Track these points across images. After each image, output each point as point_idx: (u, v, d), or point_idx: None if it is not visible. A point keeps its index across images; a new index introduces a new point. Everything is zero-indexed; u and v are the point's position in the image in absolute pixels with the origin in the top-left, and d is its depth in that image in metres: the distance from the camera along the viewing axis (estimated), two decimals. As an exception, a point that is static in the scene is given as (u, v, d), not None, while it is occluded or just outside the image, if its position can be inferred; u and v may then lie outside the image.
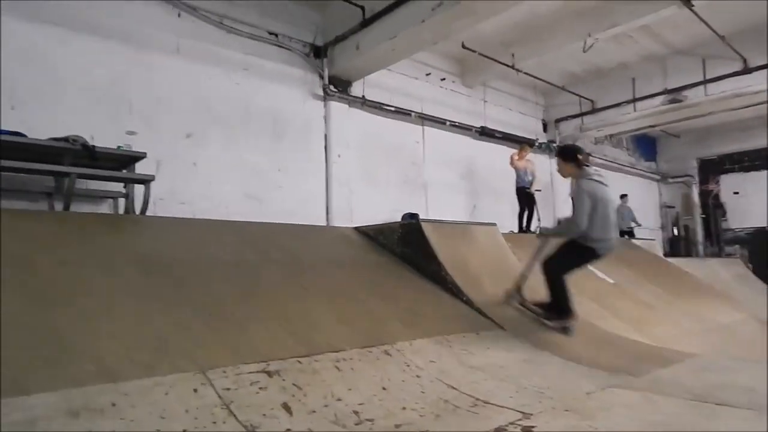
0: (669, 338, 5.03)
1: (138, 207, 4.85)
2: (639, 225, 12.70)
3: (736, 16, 8.47)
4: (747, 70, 9.20)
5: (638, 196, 13.84)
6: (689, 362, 3.64)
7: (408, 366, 2.97)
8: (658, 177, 15.96)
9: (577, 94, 11.47)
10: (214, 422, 2.04)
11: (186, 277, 3.39)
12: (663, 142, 15.94)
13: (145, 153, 4.88)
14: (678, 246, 15.53)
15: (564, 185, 11.09)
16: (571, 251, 4.04)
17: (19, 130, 4.43)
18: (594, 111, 11.47)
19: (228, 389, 2.27)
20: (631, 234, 12.28)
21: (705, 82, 9.82)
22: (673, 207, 16.17)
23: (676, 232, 16.01)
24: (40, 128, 4.70)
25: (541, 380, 3.03)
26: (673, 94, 10.27)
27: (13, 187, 4.65)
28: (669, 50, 10.16)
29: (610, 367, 3.38)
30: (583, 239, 3.96)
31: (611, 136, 13.27)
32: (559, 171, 4.27)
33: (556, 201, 11.50)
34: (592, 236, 3.93)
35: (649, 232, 13.72)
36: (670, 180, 16.00)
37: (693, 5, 7.26)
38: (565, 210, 11.02)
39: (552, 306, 4.14)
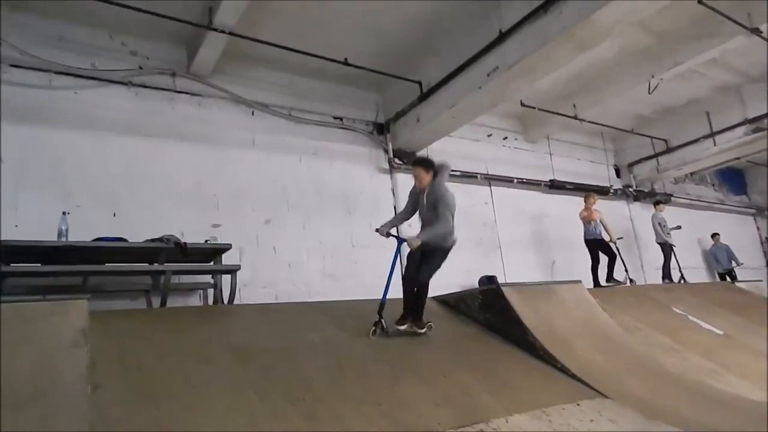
0: (803, 395, 4.43)
1: (226, 295, 5.09)
2: (741, 264, 11.65)
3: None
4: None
5: (733, 234, 12.75)
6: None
7: (508, 446, 2.81)
8: (752, 210, 14.71)
9: (648, 136, 11.05)
10: None
11: (276, 362, 3.47)
12: (752, 173, 14.78)
13: (231, 244, 5.18)
14: (792, 285, 13.96)
15: (646, 229, 10.49)
16: (436, 255, 4.35)
17: (121, 236, 4.87)
18: (669, 150, 10.96)
19: (327, 484, 2.24)
20: (732, 276, 11.28)
21: (789, 106, 9.19)
22: (778, 241, 14.74)
23: (785, 268, 14.47)
24: (137, 230, 5.14)
25: (659, 455, 2.76)
26: (756, 123, 9.64)
27: (117, 288, 5.08)
28: (743, 79, 9.65)
29: (737, 436, 3.03)
30: (442, 240, 4.29)
31: (692, 173, 12.53)
32: (418, 181, 4.48)
33: (641, 247, 10.86)
34: (452, 235, 4.37)
35: (753, 272, 12.50)
36: (768, 212, 14.70)
37: (762, 32, 6.94)
38: (654, 258, 10.35)
39: (409, 314, 4.37)
